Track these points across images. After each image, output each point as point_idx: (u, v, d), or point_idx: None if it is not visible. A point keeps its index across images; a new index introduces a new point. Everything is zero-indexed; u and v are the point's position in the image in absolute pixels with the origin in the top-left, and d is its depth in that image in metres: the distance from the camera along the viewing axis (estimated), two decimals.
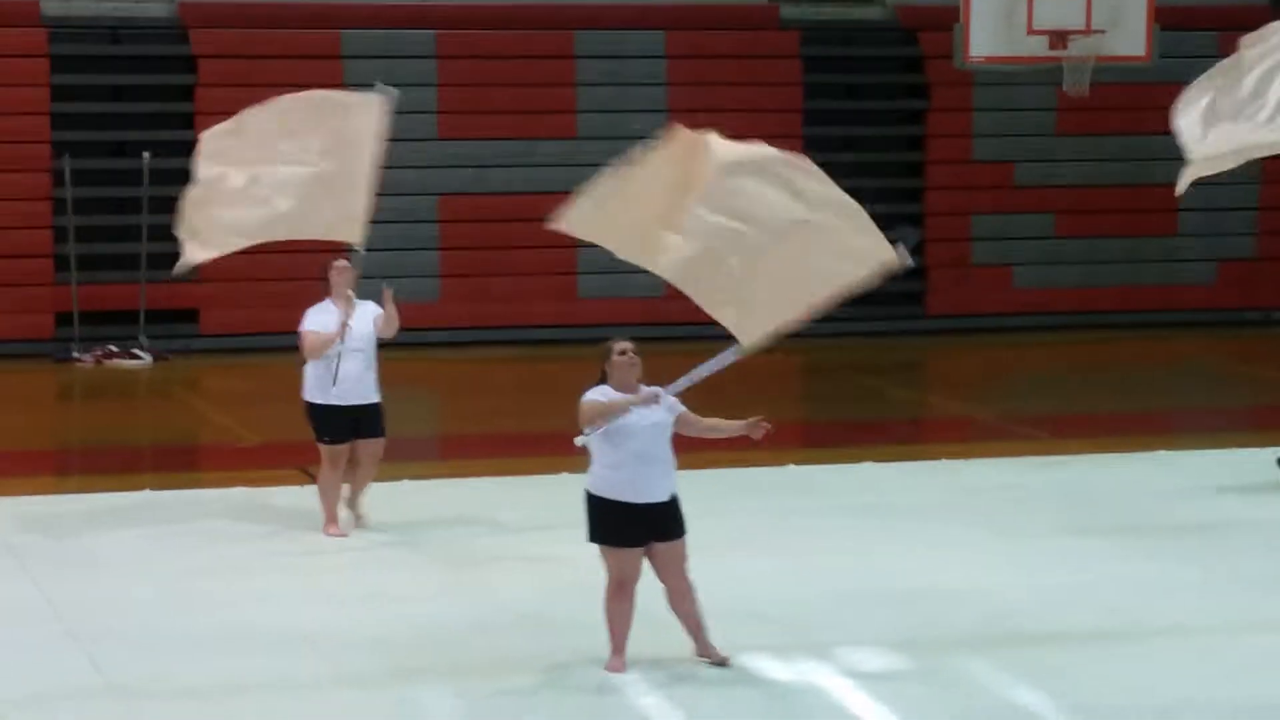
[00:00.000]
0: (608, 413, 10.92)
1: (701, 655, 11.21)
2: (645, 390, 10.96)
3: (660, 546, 11.05)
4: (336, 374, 14.24)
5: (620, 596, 11.08)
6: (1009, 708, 10.66)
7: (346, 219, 14.36)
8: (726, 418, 11.29)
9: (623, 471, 10.95)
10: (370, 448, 14.50)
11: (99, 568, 13.62)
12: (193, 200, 14.61)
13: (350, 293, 14.36)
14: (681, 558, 11.12)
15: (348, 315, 14.21)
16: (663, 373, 11.19)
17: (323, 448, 14.48)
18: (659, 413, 11.02)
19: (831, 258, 11.01)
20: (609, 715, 10.58)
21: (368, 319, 14.42)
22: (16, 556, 13.90)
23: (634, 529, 11.01)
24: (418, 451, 15.16)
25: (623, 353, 11.08)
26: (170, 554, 14.00)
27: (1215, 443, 18.09)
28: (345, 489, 14.63)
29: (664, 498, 11.01)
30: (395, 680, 11.12)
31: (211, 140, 14.76)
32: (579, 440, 11.00)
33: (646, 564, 11.12)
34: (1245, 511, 15.29)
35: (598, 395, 11.00)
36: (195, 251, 14.71)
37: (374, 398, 14.49)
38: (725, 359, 11.15)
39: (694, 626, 11.22)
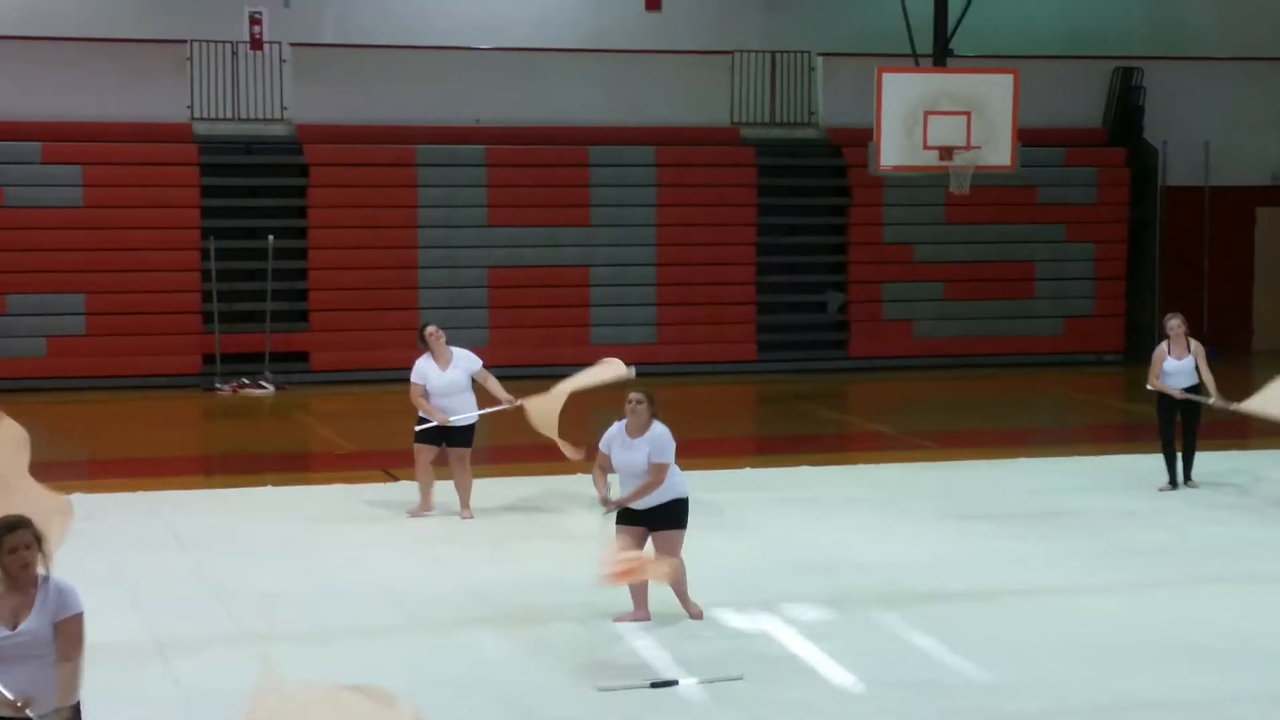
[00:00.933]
0: (597, 488, 11.17)
1: (682, 609, 11.26)
2: (614, 499, 11.01)
3: (655, 534, 11.12)
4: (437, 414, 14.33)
5: None
6: (907, 647, 10.70)
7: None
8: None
9: (622, 489, 11.10)
10: (455, 453, 14.51)
11: (231, 543, 13.66)
12: None
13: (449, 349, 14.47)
14: (672, 543, 11.09)
15: (444, 421, 14.29)
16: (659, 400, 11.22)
17: (415, 447, 14.56)
18: (640, 459, 10.96)
19: None
20: (612, 651, 10.61)
21: (465, 368, 14.47)
22: (173, 534, 13.97)
23: (630, 521, 11.08)
24: (471, 458, 15.21)
25: (629, 401, 11.08)
26: (285, 533, 14.04)
27: (1060, 452, 18.10)
28: (435, 489, 14.63)
29: (643, 508, 11.04)
30: (454, 626, 11.18)
31: None
32: (602, 507, 11.10)
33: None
34: (1079, 504, 15.31)
35: (603, 443, 11.11)
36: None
37: (467, 420, 14.46)
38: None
39: (679, 591, 11.24)
